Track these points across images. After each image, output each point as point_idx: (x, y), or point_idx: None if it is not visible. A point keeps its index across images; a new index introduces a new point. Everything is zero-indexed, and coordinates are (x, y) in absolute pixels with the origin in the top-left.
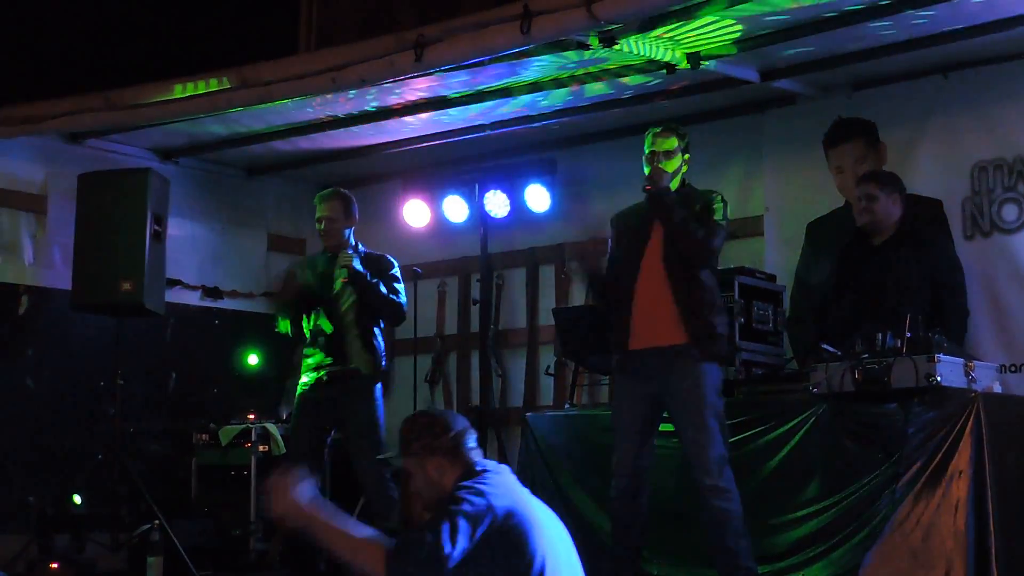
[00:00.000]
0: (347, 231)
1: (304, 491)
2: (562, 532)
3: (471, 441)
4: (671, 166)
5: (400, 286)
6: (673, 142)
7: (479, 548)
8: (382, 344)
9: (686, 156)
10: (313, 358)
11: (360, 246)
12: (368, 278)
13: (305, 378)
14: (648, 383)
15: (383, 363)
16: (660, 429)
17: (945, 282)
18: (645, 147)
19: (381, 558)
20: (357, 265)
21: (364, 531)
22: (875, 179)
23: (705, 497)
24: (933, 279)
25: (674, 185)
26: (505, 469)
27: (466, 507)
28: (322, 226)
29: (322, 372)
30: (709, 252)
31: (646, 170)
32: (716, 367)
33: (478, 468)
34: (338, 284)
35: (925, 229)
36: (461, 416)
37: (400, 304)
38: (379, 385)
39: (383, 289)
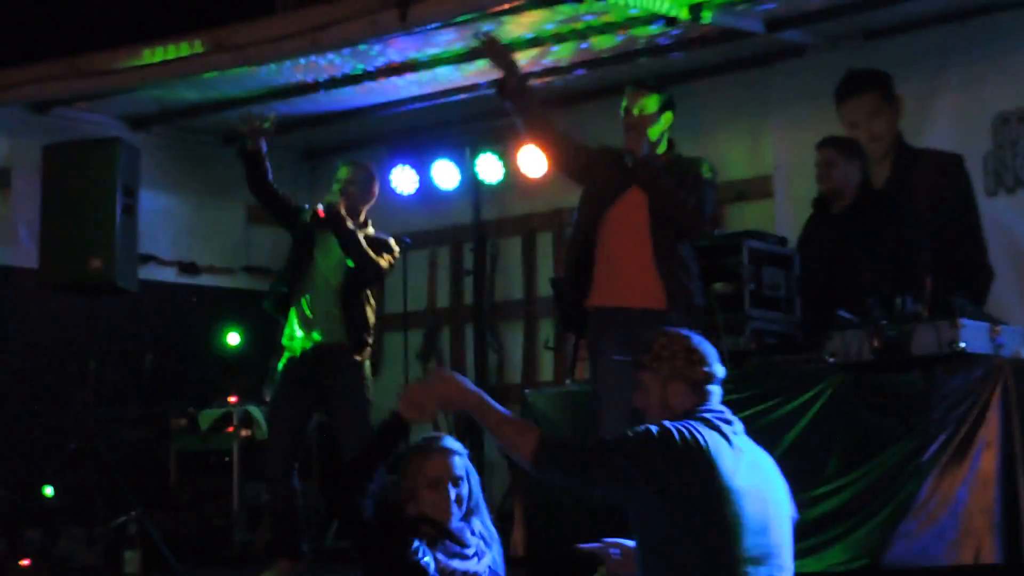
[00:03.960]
0: (363, 205)
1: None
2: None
3: (716, 383)
4: (654, 132)
5: (388, 255)
6: (653, 102)
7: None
8: (371, 316)
9: (668, 115)
10: (295, 328)
11: (371, 227)
12: (348, 224)
13: (288, 351)
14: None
15: (369, 337)
16: None
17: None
18: (621, 108)
19: (533, 442)
20: (341, 209)
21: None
22: (834, 144)
23: None
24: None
25: (661, 149)
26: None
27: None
28: (338, 187)
29: (306, 345)
30: (702, 221)
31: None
32: None
33: (701, 413)
34: (307, 216)
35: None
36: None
37: (377, 263)
38: (367, 363)
39: (363, 243)
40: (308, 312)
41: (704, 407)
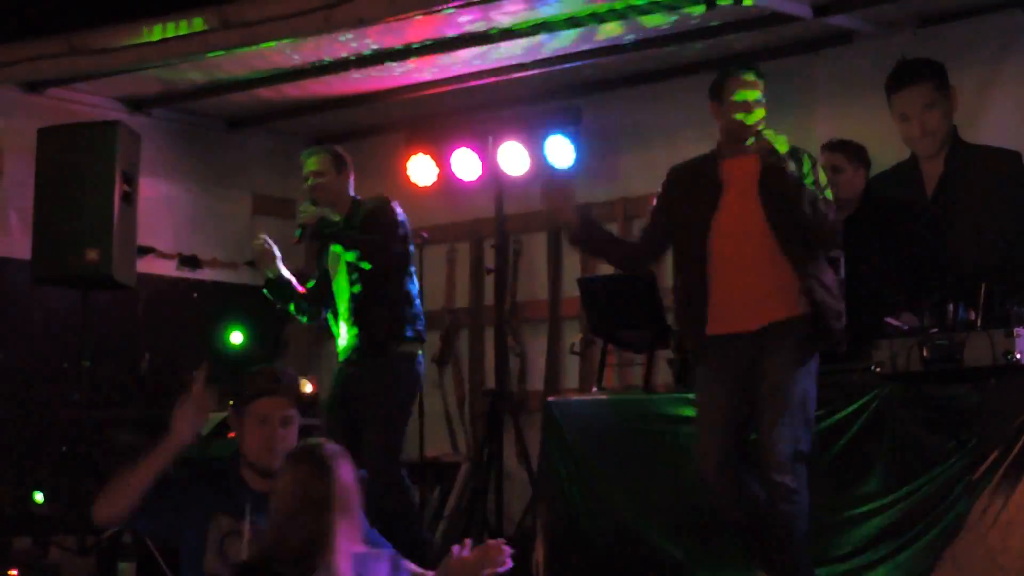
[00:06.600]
0: (342, 189)
1: None
2: None
3: None
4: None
5: (385, 222)
6: (759, 91)
7: None
8: (408, 312)
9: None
10: (335, 328)
11: (364, 204)
12: (330, 229)
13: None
14: (736, 365)
15: (406, 334)
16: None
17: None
18: (735, 95)
19: None
20: (328, 215)
21: None
22: (843, 150)
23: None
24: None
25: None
26: None
27: None
28: (310, 182)
29: (345, 345)
30: (835, 236)
31: (742, 117)
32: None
33: None
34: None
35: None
36: None
37: (371, 240)
38: (400, 361)
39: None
40: (336, 323)
41: None
